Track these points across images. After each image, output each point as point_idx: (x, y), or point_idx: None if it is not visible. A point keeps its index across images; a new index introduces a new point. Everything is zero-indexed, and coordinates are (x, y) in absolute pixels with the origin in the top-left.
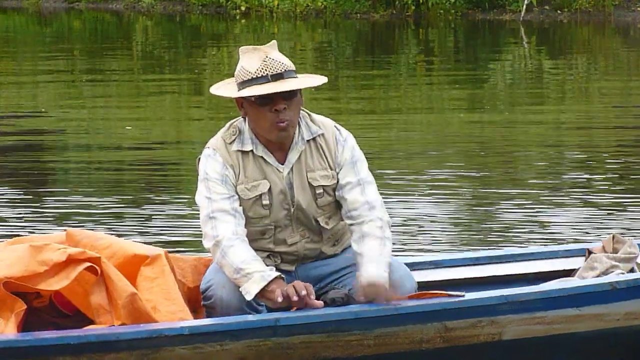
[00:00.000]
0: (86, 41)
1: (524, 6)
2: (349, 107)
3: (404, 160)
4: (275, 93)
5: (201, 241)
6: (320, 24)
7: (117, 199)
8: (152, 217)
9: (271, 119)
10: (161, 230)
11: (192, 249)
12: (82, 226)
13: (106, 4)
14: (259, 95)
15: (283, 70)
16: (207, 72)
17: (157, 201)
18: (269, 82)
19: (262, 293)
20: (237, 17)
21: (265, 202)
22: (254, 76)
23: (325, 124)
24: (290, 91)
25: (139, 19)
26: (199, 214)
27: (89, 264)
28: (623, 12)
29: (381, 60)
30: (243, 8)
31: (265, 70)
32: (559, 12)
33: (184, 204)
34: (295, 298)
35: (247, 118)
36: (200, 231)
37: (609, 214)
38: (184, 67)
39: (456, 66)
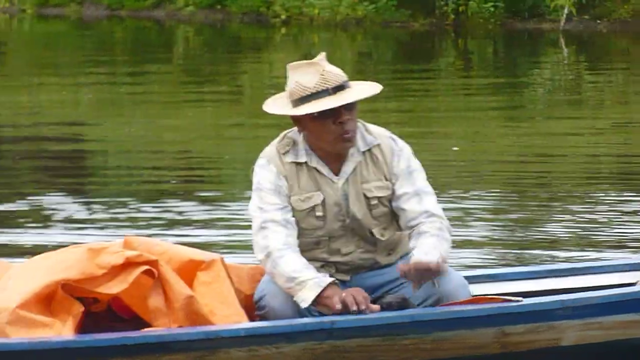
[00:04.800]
0: (128, 49)
1: (564, 15)
2: (388, 115)
3: (441, 171)
4: (340, 106)
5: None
6: (360, 33)
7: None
8: (202, 225)
9: (336, 132)
10: (213, 238)
11: (245, 256)
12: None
13: (148, 12)
14: (323, 110)
15: (342, 82)
16: (247, 80)
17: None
18: (330, 95)
19: (319, 300)
20: (278, 26)
21: (319, 213)
22: (314, 91)
23: (380, 135)
24: (353, 102)
25: (180, 27)
26: (250, 224)
27: (146, 266)
28: None
29: (420, 69)
30: (283, 16)
31: (325, 83)
32: (598, 21)
33: (232, 211)
34: (354, 308)
35: (304, 132)
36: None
37: None
38: (225, 75)
39: (495, 75)
